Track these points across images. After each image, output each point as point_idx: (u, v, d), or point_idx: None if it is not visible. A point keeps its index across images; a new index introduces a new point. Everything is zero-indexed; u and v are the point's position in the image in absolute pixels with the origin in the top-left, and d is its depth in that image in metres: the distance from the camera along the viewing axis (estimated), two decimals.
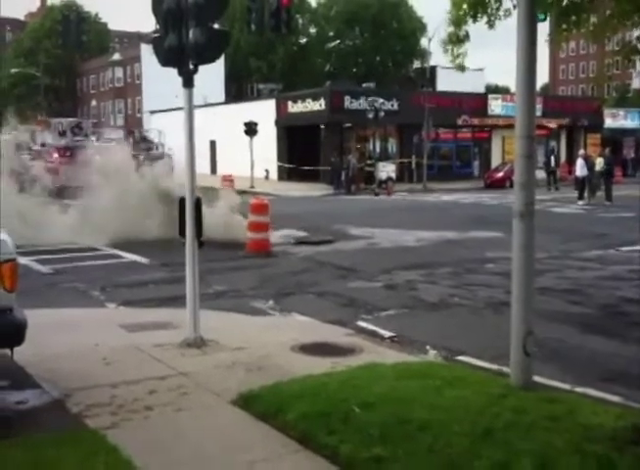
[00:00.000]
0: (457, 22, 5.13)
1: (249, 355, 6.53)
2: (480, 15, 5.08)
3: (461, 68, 5.39)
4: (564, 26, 5.33)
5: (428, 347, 7.14)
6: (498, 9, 5.08)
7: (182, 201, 6.95)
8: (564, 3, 5.07)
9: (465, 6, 5.03)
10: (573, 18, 5.15)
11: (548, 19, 5.52)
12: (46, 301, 8.76)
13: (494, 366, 6.25)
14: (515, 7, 5.09)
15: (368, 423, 4.58)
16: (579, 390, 5.69)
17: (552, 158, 35.07)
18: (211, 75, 45.18)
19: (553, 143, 44.75)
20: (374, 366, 5.99)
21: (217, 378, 5.89)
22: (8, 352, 4.98)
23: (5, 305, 4.76)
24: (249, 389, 5.39)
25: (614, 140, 45.46)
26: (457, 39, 5.22)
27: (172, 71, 6.91)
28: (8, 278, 4.77)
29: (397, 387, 5.34)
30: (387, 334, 7.67)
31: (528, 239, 5.36)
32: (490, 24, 5.16)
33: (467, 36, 5.22)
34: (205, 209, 8.01)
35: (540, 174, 32.98)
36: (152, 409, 5.15)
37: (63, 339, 7.02)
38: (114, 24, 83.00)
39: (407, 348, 7.14)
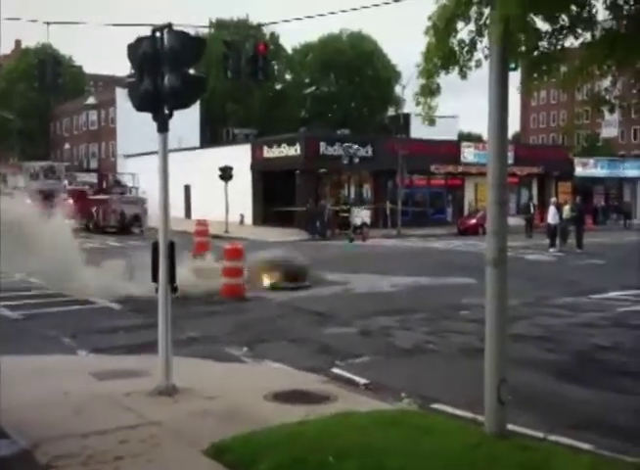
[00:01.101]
0: (428, 74, 5.23)
1: (222, 404, 6.45)
2: (451, 66, 5.19)
3: (432, 121, 5.48)
4: (535, 75, 5.47)
5: (402, 394, 7.11)
6: (470, 60, 5.19)
7: (155, 245, 6.92)
8: (535, 53, 5.21)
9: (436, 59, 5.14)
10: (544, 67, 5.30)
11: (519, 68, 5.66)
12: (15, 347, 8.57)
13: (469, 414, 6.24)
14: (486, 58, 5.23)
15: None
16: (553, 438, 5.69)
17: (531, 205, 35.83)
18: (187, 119, 45.37)
19: (532, 191, 45.81)
20: (349, 415, 5.94)
21: (190, 427, 5.79)
22: None
23: None
24: (221, 439, 5.31)
25: (584, 188, 46.39)
26: (429, 91, 5.33)
27: (147, 115, 6.90)
28: None
29: (373, 436, 5.30)
30: (361, 381, 7.63)
31: (501, 286, 5.41)
32: (462, 75, 5.27)
33: (438, 89, 5.33)
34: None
35: (515, 221, 33.56)
36: (122, 459, 5.04)
37: (32, 387, 6.87)
38: (89, 68, 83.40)
39: (382, 395, 7.10)
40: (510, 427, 5.52)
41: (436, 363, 8.66)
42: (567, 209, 28.97)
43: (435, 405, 6.71)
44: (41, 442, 5.33)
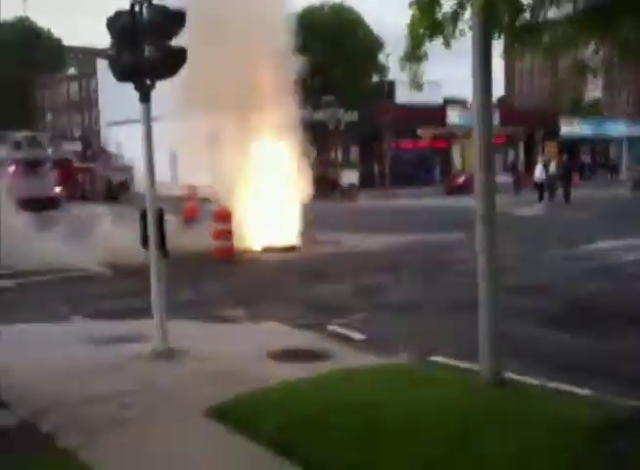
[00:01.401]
0: (414, 44, 5.25)
1: (220, 365, 6.45)
2: (435, 37, 5.19)
3: (419, 87, 5.50)
4: (517, 46, 5.54)
5: (399, 348, 7.15)
6: (453, 31, 5.20)
7: (143, 212, 6.89)
8: (517, 24, 5.18)
9: (421, 30, 5.13)
10: (526, 38, 5.30)
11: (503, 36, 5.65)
12: (9, 316, 8.53)
13: (465, 364, 6.29)
14: (470, 28, 5.25)
15: (344, 430, 4.55)
16: (551, 385, 5.75)
17: (518, 163, 36.14)
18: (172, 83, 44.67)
19: (519, 151, 45.91)
20: (347, 370, 5.98)
21: (189, 390, 5.78)
22: None
23: None
24: (221, 400, 5.32)
25: (571, 147, 46.48)
26: (415, 57, 5.33)
27: (130, 84, 6.89)
28: None
29: (371, 390, 5.35)
30: (358, 337, 7.67)
31: (491, 241, 5.51)
32: (446, 45, 5.28)
33: (425, 55, 5.34)
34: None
35: (503, 178, 33.61)
36: (123, 425, 5.03)
37: (29, 356, 6.84)
38: (69, 40, 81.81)
39: (379, 350, 7.12)
40: (507, 375, 5.59)
41: (432, 317, 8.71)
42: (553, 165, 29.14)
43: (433, 358, 6.75)
44: (41, 411, 5.31)
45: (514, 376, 5.78)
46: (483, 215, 5.47)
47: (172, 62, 6.79)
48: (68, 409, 5.37)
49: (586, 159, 51.54)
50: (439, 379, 5.77)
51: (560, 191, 27.91)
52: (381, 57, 67.72)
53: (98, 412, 5.28)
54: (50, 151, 32.22)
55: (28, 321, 8.62)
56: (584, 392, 5.57)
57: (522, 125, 45.37)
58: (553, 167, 28.96)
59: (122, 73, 6.82)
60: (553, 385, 5.74)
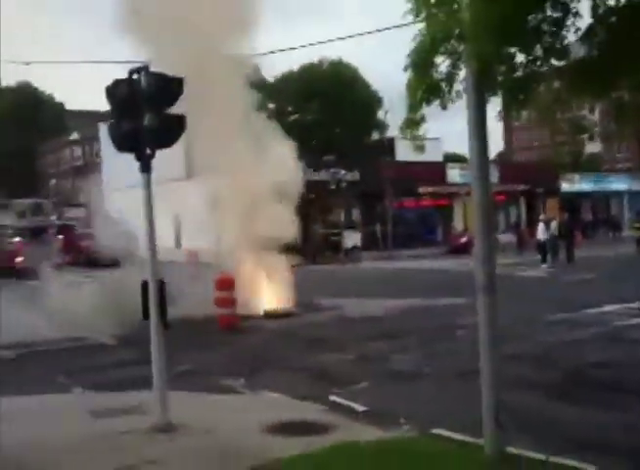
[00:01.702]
0: (412, 107, 5.36)
1: (220, 439, 6.38)
2: (432, 98, 5.31)
3: (420, 148, 5.59)
4: (512, 105, 5.58)
5: (401, 420, 7.06)
6: (449, 92, 5.32)
7: (145, 284, 6.90)
8: (511, 84, 5.29)
9: (419, 93, 5.25)
10: (521, 96, 5.38)
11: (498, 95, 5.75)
12: (9, 388, 8.47)
13: (468, 438, 6.20)
14: (464, 89, 5.35)
15: None
16: (555, 460, 5.66)
17: (521, 222, 35.98)
18: (172, 150, 45.36)
19: (520, 208, 46.12)
20: (349, 445, 5.91)
21: (187, 466, 5.73)
22: None
23: None
24: None
25: (571, 203, 46.72)
26: (414, 123, 5.44)
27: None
28: None
29: (373, 466, 5.26)
30: (360, 408, 7.59)
31: (492, 310, 5.48)
32: (443, 107, 5.39)
33: (423, 119, 5.45)
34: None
35: (505, 238, 33.75)
36: None
37: (27, 428, 6.79)
38: (71, 105, 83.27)
39: (381, 422, 7.04)
40: (510, 449, 5.50)
41: (434, 387, 8.62)
42: (554, 225, 29.14)
43: (435, 430, 6.66)
44: None
45: (518, 450, 5.69)
46: (484, 285, 5.44)
47: (173, 130, 6.82)
48: None
49: (587, 215, 51.68)
50: (441, 454, 5.69)
51: (562, 251, 27.83)
52: (380, 113, 68.91)
53: None
54: (54, 217, 32.50)
55: (28, 393, 8.57)
56: (590, 468, 5.47)
57: (522, 182, 45.65)
58: (554, 227, 28.93)
59: (122, 143, 6.82)
60: (558, 460, 5.64)
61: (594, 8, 5.03)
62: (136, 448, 6.17)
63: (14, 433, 6.32)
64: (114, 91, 6.79)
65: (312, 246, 33.89)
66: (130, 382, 9.15)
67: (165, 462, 5.80)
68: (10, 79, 78.81)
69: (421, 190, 42.24)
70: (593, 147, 59.02)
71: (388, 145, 52.81)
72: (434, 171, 43.92)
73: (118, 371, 10.14)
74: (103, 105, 7.05)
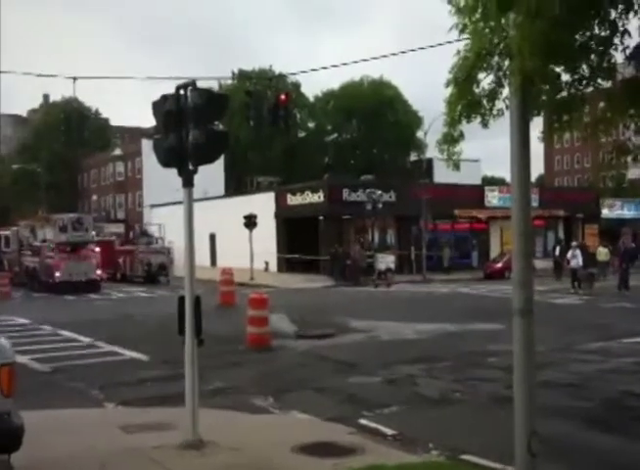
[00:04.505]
0: (451, 123, 5.31)
1: (248, 457, 6.42)
2: (473, 115, 5.26)
3: (456, 166, 5.54)
4: (556, 125, 5.50)
5: (430, 445, 7.01)
6: (491, 109, 5.25)
7: (181, 299, 6.99)
8: (556, 103, 5.24)
9: (459, 108, 5.22)
10: (565, 117, 5.31)
11: (541, 116, 5.69)
12: (43, 401, 8.65)
13: (498, 466, 6.13)
14: (507, 107, 5.29)
15: None
16: None
17: (558, 248, 35.45)
18: (211, 169, 45.96)
19: (558, 234, 45.44)
20: (377, 468, 5.87)
21: None
22: (5, 456, 4.90)
23: (2, 409, 4.73)
24: None
25: (611, 230, 45.87)
26: (452, 139, 5.39)
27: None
28: (5, 383, 4.77)
29: None
30: (389, 432, 7.55)
31: (528, 337, 5.36)
32: (484, 124, 5.33)
33: (461, 136, 5.39)
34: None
35: (542, 264, 33.25)
36: None
37: (60, 441, 6.91)
38: (116, 120, 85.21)
39: (410, 446, 7.01)
40: None
41: (464, 413, 8.54)
42: (603, 251, 28.48)
43: (464, 456, 6.60)
44: None
45: None
46: (521, 309, 5.30)
47: (216, 146, 6.98)
48: None
49: (628, 243, 50.70)
50: None
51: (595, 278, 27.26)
52: (419, 134, 68.76)
53: None
54: (94, 233, 33.04)
55: (62, 407, 8.71)
56: None
57: (561, 207, 45.04)
58: (602, 253, 28.28)
59: (167, 158, 6.95)
60: None
61: None
62: (166, 464, 6.23)
63: (46, 446, 6.44)
64: (160, 106, 6.96)
65: (355, 268, 33.79)
66: (162, 398, 9.27)
67: None
68: (58, 93, 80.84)
69: (457, 212, 41.96)
70: (636, 172, 57.90)
71: (427, 166, 52.77)
72: (473, 194, 43.67)
73: (151, 387, 10.25)
74: (146, 121, 7.23)
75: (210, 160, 7.00)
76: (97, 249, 31.76)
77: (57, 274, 29.10)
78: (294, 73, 75.68)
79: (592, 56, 4.97)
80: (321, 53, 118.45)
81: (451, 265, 39.56)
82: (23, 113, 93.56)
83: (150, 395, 9.64)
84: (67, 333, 15.81)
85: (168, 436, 7.04)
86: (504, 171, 73.96)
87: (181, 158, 6.88)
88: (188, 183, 7.02)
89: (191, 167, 6.95)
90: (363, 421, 8.02)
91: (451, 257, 40.52)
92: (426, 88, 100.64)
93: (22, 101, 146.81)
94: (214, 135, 6.95)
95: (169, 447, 6.67)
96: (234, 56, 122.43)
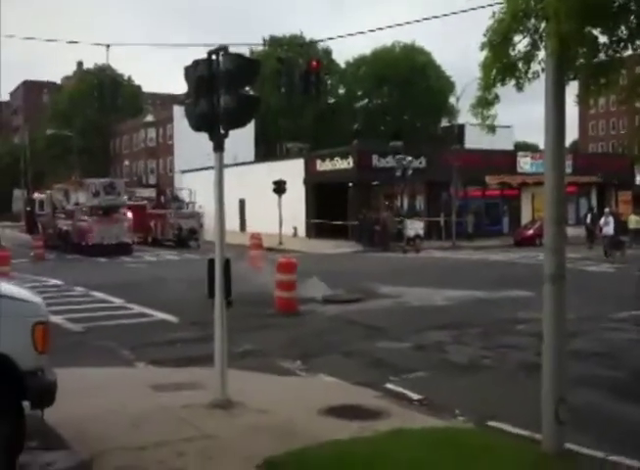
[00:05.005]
0: (486, 86, 5.21)
1: (275, 419, 6.49)
2: (508, 78, 5.16)
3: (491, 129, 5.44)
4: (592, 88, 5.36)
5: (457, 411, 7.02)
6: (527, 72, 5.14)
7: (211, 261, 7.04)
8: (592, 65, 5.10)
9: (494, 71, 5.11)
10: (602, 80, 5.18)
11: (577, 79, 5.55)
12: (76, 360, 8.82)
13: (526, 432, 6.11)
14: (543, 70, 5.17)
15: None
16: (614, 458, 5.52)
17: (589, 215, 34.97)
18: (242, 135, 45.81)
19: (591, 201, 44.74)
20: (402, 432, 5.90)
21: (244, 442, 5.84)
22: (39, 412, 5.01)
23: (36, 366, 4.82)
24: (274, 454, 5.34)
25: None
26: (486, 102, 5.29)
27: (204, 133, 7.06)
28: (40, 340, 4.85)
29: (425, 455, 5.25)
30: (415, 397, 7.57)
31: (559, 303, 5.31)
32: (519, 87, 5.23)
33: (496, 98, 5.28)
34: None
35: (574, 231, 32.84)
36: None
37: (92, 399, 7.05)
38: (148, 87, 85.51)
39: (436, 411, 7.02)
40: (569, 446, 5.40)
41: (493, 379, 8.51)
42: (632, 219, 28.04)
43: (491, 423, 6.59)
44: (100, 454, 5.47)
45: (577, 447, 5.58)
46: (552, 275, 5.26)
47: (247, 110, 6.98)
48: (125, 454, 5.51)
49: None
50: (498, 446, 5.62)
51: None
52: (451, 100, 67.71)
53: (154, 458, 5.39)
54: (125, 197, 33.38)
55: (93, 365, 8.88)
56: None
57: (595, 173, 44.21)
58: (633, 221, 27.81)
59: (198, 122, 6.97)
60: (617, 459, 5.50)
61: None
62: (195, 422, 6.33)
63: (77, 403, 6.58)
64: (192, 71, 6.96)
65: (385, 234, 33.70)
66: (191, 359, 9.40)
67: (222, 437, 5.93)
68: (91, 61, 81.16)
69: (487, 179, 41.43)
70: None
71: (458, 132, 52.03)
72: (505, 160, 43.07)
73: (180, 348, 10.40)
74: (178, 88, 7.22)
75: (241, 124, 7.02)
76: (129, 213, 32.16)
77: (89, 237, 29.53)
78: (323, 40, 74.81)
79: (631, 17, 4.82)
80: (353, 18, 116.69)
81: (476, 232, 39.18)
82: (57, 80, 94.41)
83: (179, 355, 9.79)
84: (99, 294, 16.09)
85: (197, 395, 7.15)
86: (537, 137, 72.80)
87: (212, 122, 6.90)
88: (219, 147, 7.05)
89: (222, 132, 6.95)
90: (390, 385, 8.05)
91: (476, 223, 40.12)
92: (459, 53, 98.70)
93: (56, 68, 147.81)
94: (245, 100, 6.94)
95: (198, 407, 6.77)
96: (265, 23, 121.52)
